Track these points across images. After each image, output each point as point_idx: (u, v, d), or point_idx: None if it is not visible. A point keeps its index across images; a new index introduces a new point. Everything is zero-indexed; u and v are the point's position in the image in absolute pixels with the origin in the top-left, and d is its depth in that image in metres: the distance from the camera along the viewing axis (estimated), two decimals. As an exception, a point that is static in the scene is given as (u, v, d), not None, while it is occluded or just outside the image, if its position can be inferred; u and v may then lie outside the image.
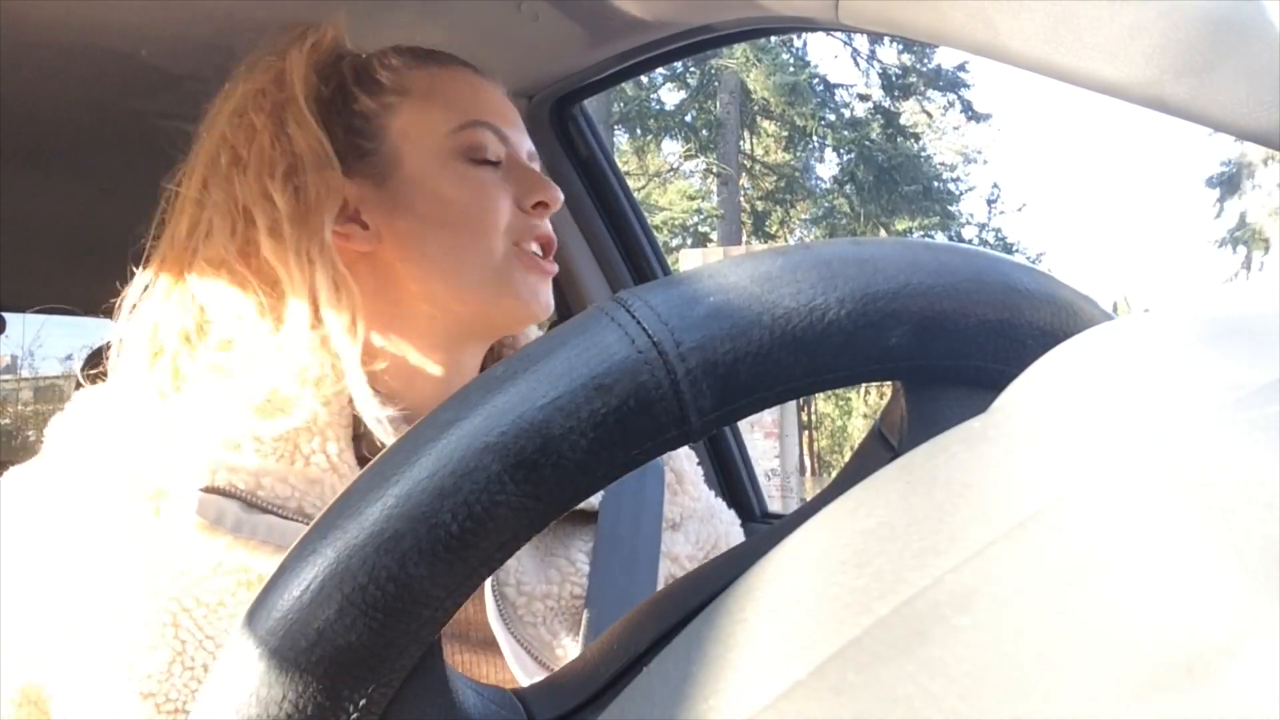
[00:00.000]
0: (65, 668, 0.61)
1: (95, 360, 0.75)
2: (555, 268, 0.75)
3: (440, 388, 0.74)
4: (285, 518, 0.62)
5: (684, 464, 0.82)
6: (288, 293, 0.68)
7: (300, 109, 0.70)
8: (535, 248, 0.74)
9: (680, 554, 0.75)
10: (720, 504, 0.85)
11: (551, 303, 0.75)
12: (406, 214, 0.72)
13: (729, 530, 0.81)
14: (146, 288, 0.71)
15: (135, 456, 0.65)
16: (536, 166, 0.79)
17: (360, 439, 0.68)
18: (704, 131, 15.29)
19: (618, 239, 1.54)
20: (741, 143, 15.52)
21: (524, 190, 0.74)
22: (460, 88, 0.76)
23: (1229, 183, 15.55)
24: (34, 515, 0.65)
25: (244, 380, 0.66)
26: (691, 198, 16.36)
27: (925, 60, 16.08)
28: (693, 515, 0.79)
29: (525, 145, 0.78)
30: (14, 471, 0.68)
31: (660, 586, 0.71)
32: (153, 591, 0.61)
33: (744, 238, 15.43)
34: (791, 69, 15.01)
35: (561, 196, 0.75)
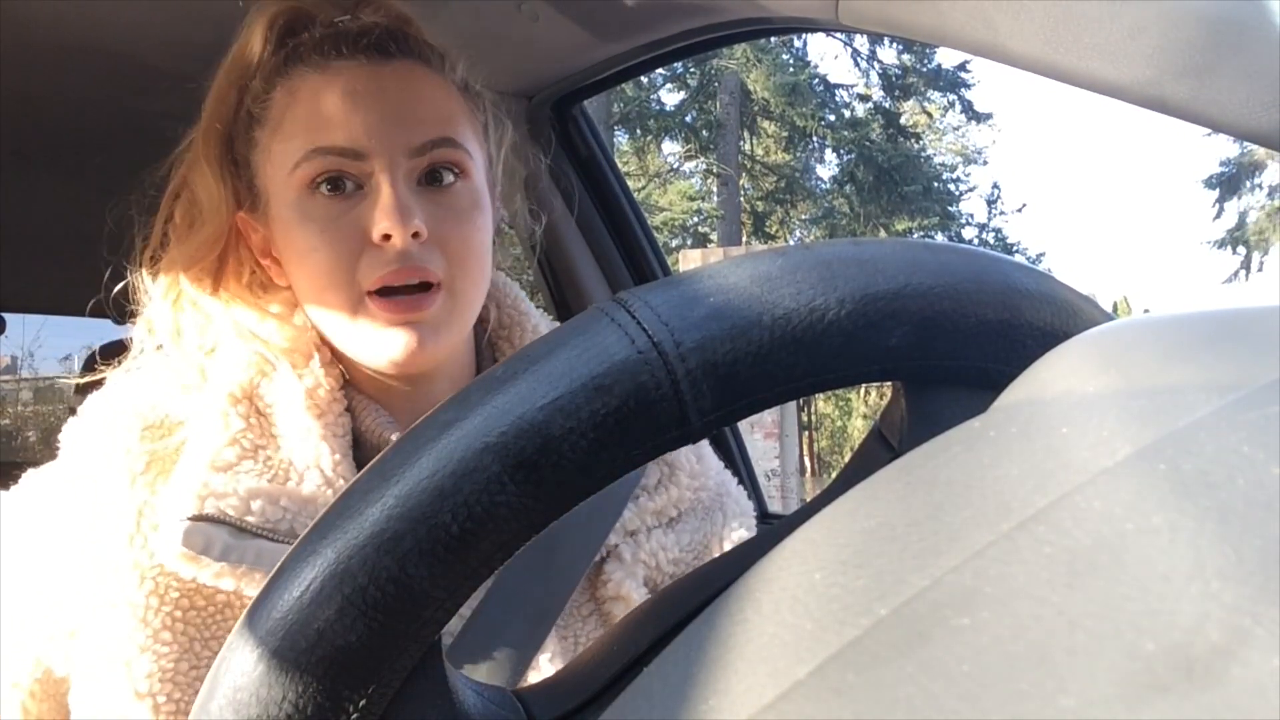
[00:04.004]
0: (76, 665, 0.63)
1: (94, 363, 0.76)
2: (426, 305, 0.65)
3: (413, 401, 0.72)
4: (275, 540, 0.61)
5: (679, 454, 0.74)
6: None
7: (200, 164, 0.70)
8: (395, 284, 0.64)
9: (663, 560, 0.71)
10: (736, 492, 0.78)
11: (421, 347, 0.65)
12: (283, 254, 0.69)
13: (728, 529, 0.75)
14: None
15: (143, 457, 0.65)
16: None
17: (360, 445, 0.68)
18: (704, 132, 15.28)
19: (618, 239, 1.54)
20: (741, 143, 15.50)
21: (374, 219, 0.64)
22: (305, 109, 0.66)
23: (1228, 183, 15.55)
24: (48, 516, 0.66)
25: (234, 391, 0.66)
26: (691, 198, 16.35)
27: (925, 60, 16.07)
28: (694, 509, 0.74)
29: (408, 140, 0.65)
30: (32, 474, 0.70)
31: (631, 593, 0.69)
32: (154, 591, 0.61)
33: (744, 238, 15.41)
34: (791, 69, 15.00)
35: (412, 222, 0.63)
